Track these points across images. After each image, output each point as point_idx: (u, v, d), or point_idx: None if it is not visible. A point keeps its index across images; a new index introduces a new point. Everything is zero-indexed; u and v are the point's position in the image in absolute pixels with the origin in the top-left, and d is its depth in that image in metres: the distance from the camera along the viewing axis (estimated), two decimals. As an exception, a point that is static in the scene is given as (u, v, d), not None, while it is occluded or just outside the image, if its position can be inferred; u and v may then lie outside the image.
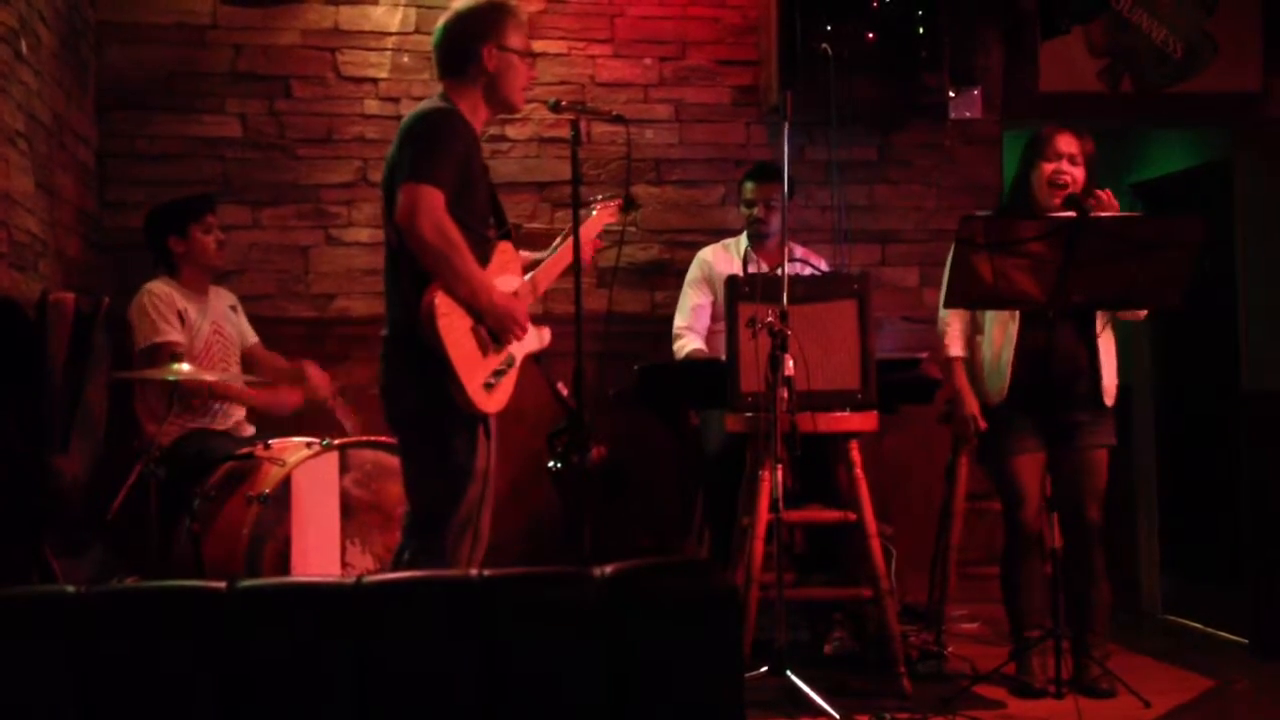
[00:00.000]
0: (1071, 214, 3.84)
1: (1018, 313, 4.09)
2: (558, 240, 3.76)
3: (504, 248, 3.55)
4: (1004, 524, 4.25)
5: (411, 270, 3.31)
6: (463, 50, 3.45)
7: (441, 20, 3.54)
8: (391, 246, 3.42)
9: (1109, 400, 4.16)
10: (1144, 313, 4.25)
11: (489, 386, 3.37)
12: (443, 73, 3.51)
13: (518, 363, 3.51)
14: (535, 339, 3.61)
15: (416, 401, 3.36)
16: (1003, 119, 5.56)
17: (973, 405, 4.19)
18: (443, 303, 3.27)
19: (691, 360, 4.88)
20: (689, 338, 4.90)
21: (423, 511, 3.40)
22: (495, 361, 3.41)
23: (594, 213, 3.91)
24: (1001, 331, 4.14)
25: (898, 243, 5.54)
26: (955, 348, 4.25)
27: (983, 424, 4.17)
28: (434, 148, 3.30)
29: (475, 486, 3.35)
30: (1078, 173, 4.10)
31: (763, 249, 4.88)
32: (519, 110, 3.79)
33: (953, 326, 4.25)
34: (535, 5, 5.31)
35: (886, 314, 5.18)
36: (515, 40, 3.49)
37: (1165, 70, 5.57)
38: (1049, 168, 4.11)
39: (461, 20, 3.49)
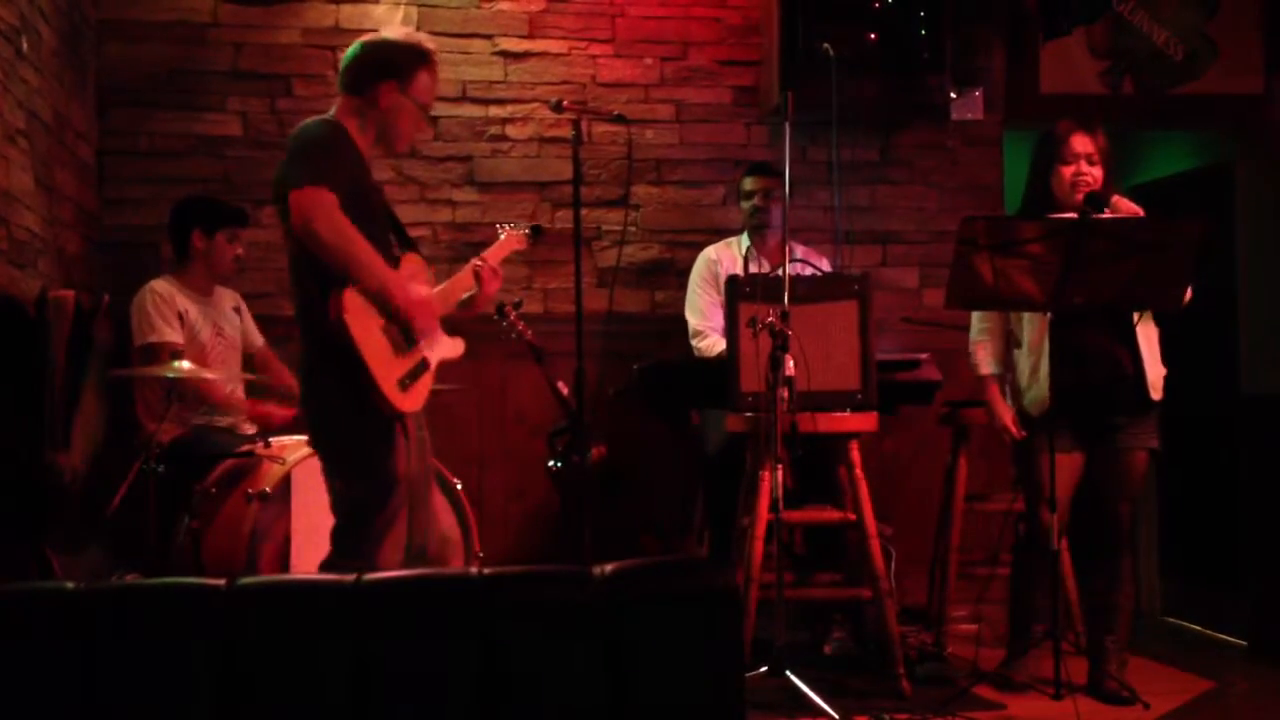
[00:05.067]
0: (1072, 215, 3.84)
1: (1048, 320, 4.04)
2: (463, 269, 3.71)
3: (410, 258, 3.53)
4: (1025, 521, 4.22)
5: (315, 275, 3.26)
6: (367, 75, 3.43)
7: (365, 38, 3.53)
8: (292, 256, 3.39)
9: (1156, 394, 4.09)
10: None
11: (404, 385, 3.33)
12: (342, 86, 3.48)
13: (432, 367, 3.47)
14: (450, 347, 3.58)
15: (333, 407, 3.31)
16: (1004, 120, 5.56)
17: (1005, 415, 4.16)
18: (351, 300, 3.22)
19: (693, 360, 4.89)
20: (715, 337, 4.85)
21: (344, 519, 3.35)
22: (409, 362, 3.37)
23: (501, 237, 3.87)
24: (1038, 342, 4.09)
25: (899, 243, 5.54)
26: (985, 366, 4.23)
27: (1019, 433, 4.14)
28: (320, 154, 3.28)
29: (399, 491, 3.31)
30: (1096, 172, 4.06)
31: (764, 247, 4.87)
32: (395, 155, 3.80)
33: (983, 348, 4.23)
34: (537, 4, 5.32)
35: (887, 315, 5.18)
36: (419, 90, 3.46)
37: (1166, 72, 5.58)
38: (1068, 171, 4.06)
39: (380, 48, 3.48)
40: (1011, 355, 4.24)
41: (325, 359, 3.29)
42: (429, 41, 3.55)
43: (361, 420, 3.28)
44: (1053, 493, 3.95)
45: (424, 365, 3.43)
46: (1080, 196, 3.99)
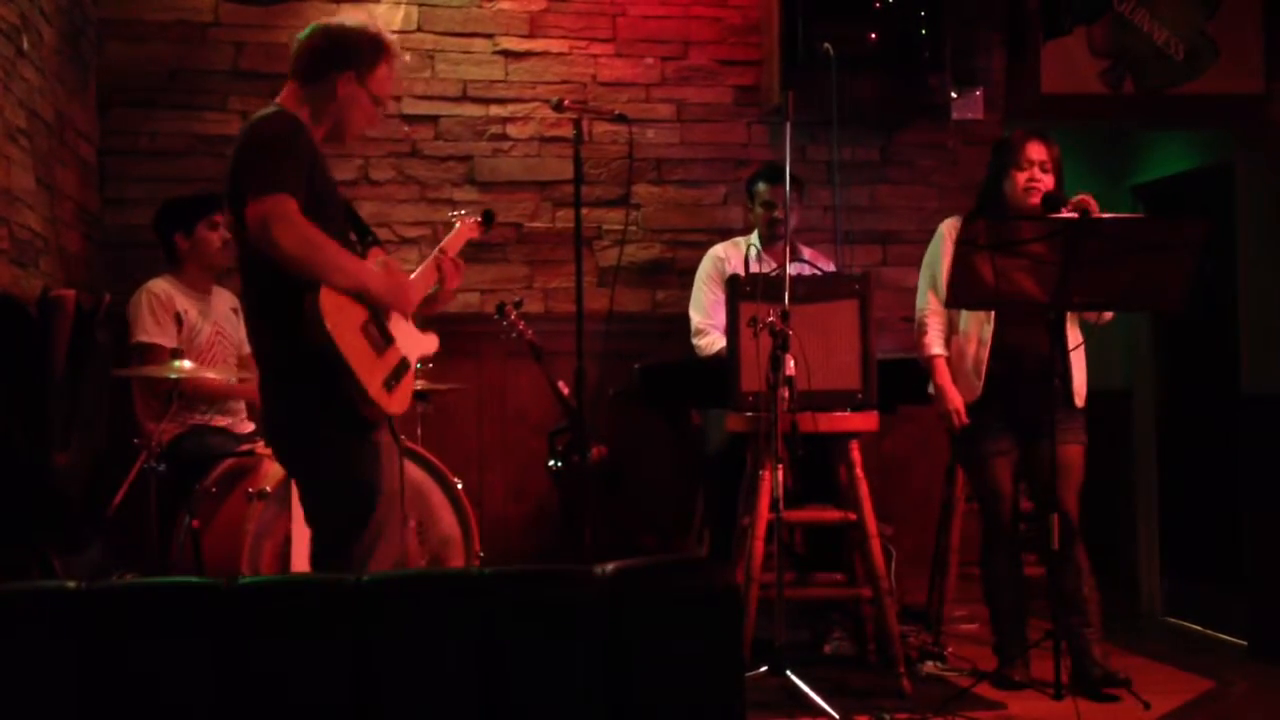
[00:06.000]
0: (1074, 215, 3.85)
1: (994, 314, 4.11)
2: (426, 262, 3.53)
3: (375, 253, 3.35)
4: (981, 522, 4.27)
5: (281, 278, 3.05)
6: (324, 64, 3.24)
7: (322, 22, 3.38)
8: (250, 265, 3.18)
9: (1079, 401, 4.16)
10: (1109, 315, 4.24)
11: (389, 386, 3.16)
12: (294, 73, 3.29)
13: (412, 366, 3.32)
14: (427, 343, 3.45)
15: (313, 418, 3.11)
16: (1004, 120, 5.55)
17: (956, 400, 4.19)
18: (328, 300, 3.03)
19: (693, 359, 4.89)
20: (715, 334, 4.84)
21: (328, 539, 3.19)
22: (390, 362, 3.20)
23: (456, 226, 3.68)
24: (977, 331, 4.15)
25: (899, 243, 5.55)
26: (936, 346, 4.25)
27: (965, 419, 4.18)
28: (278, 157, 3.08)
29: (383, 503, 3.15)
30: (1048, 180, 4.13)
31: (773, 248, 4.87)
32: (344, 146, 3.58)
33: (932, 326, 4.26)
34: (538, 4, 5.32)
35: (888, 314, 5.17)
36: (376, 83, 3.29)
37: (1167, 72, 5.58)
38: (1022, 176, 4.13)
39: (338, 36, 3.29)
40: (950, 339, 4.26)
41: (302, 365, 3.06)
42: (389, 33, 3.41)
43: (345, 431, 3.10)
44: (1053, 492, 3.96)
45: (405, 364, 3.28)
46: (1035, 200, 4.05)
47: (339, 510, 3.16)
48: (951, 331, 4.25)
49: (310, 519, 3.26)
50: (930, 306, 4.25)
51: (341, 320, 3.07)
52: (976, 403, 4.15)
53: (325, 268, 3.05)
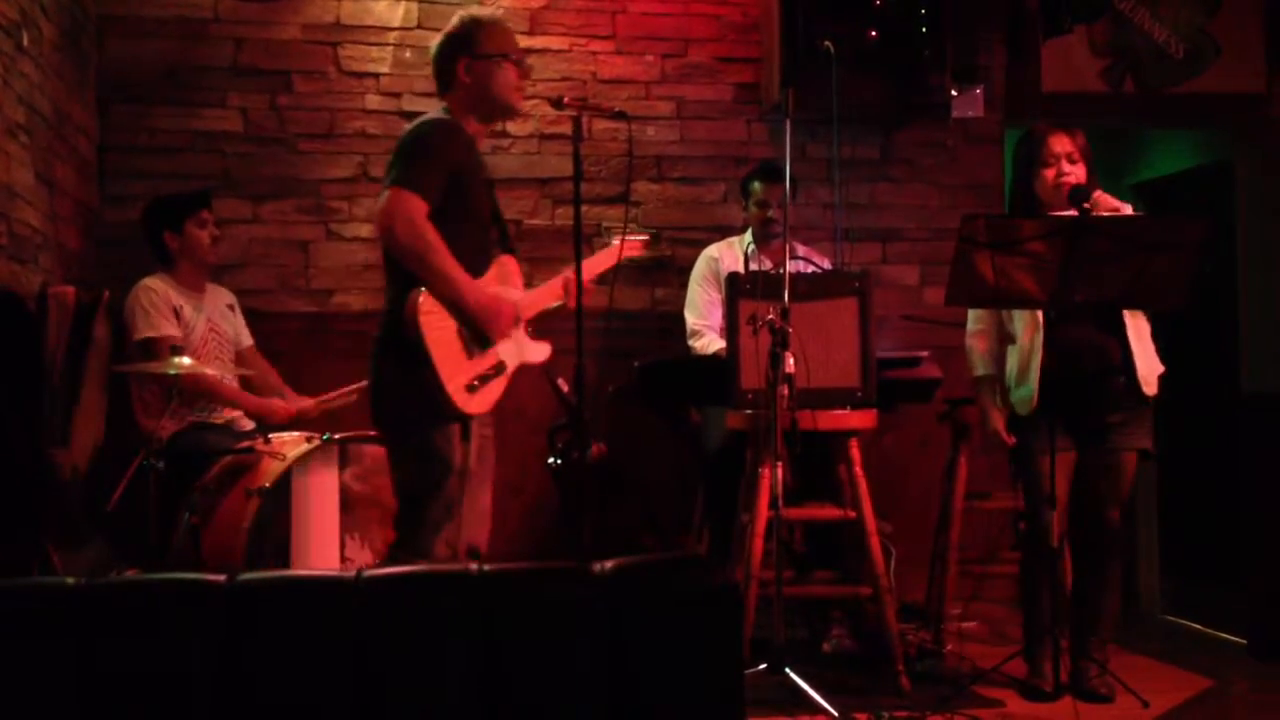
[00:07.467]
0: (1073, 213, 3.84)
1: (1041, 317, 4.06)
2: (553, 279, 3.90)
3: (505, 260, 3.69)
4: (1026, 524, 4.22)
5: (399, 271, 3.45)
6: (443, 68, 3.68)
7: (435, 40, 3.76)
8: (384, 247, 3.55)
9: (1150, 390, 4.08)
10: None
11: (472, 389, 3.46)
12: (439, 91, 3.73)
13: (509, 370, 3.60)
14: (535, 351, 3.72)
15: (399, 398, 3.46)
16: (1005, 118, 5.55)
17: (997, 420, 4.17)
18: (426, 301, 3.39)
19: (693, 357, 4.88)
20: (711, 335, 4.86)
21: (404, 506, 3.52)
22: (482, 365, 3.50)
23: (612, 243, 4.04)
24: (1030, 339, 4.11)
25: (899, 241, 5.54)
26: (980, 367, 4.26)
27: (1009, 439, 4.15)
28: (420, 156, 3.47)
29: (453, 480, 3.45)
30: (1079, 170, 4.09)
31: (767, 247, 4.87)
32: (518, 112, 3.98)
33: (974, 349, 4.26)
34: (538, 1, 5.31)
35: (887, 312, 5.17)
36: (492, 47, 3.65)
37: (1167, 70, 5.57)
38: (1050, 173, 4.10)
39: (443, 41, 3.70)
40: (1006, 353, 4.24)
41: (393, 349, 3.43)
42: (471, 8, 3.80)
43: (419, 410, 3.41)
44: (1053, 490, 3.95)
45: (500, 369, 3.56)
46: (1065, 194, 4.02)
47: (413, 481, 3.47)
48: (1010, 343, 4.21)
49: (395, 486, 3.58)
50: (971, 329, 4.27)
51: (436, 320, 3.41)
52: (1034, 411, 4.08)
53: (429, 268, 3.40)
